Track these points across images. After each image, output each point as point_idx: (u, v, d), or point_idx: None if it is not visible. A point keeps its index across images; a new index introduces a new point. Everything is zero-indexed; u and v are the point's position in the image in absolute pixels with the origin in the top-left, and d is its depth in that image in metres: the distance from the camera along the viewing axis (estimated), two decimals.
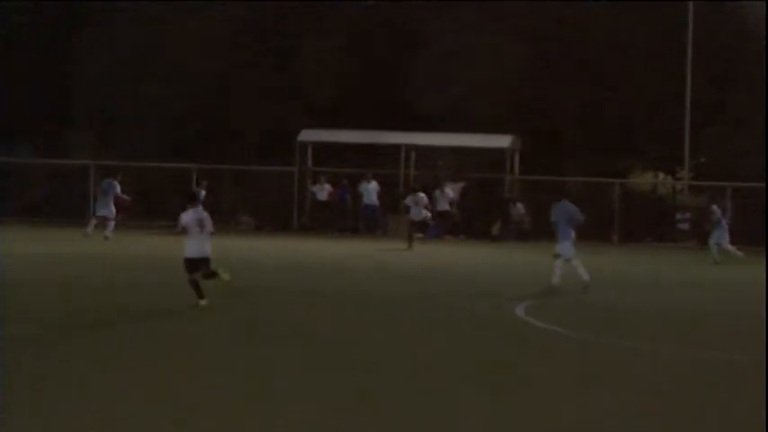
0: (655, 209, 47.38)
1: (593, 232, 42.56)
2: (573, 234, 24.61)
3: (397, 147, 44.97)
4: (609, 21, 47.07)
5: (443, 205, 41.65)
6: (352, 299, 22.18)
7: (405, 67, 47.88)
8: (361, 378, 13.69)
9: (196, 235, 19.58)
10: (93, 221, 36.03)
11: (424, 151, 46.73)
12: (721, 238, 34.53)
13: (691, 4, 45.05)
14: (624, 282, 27.83)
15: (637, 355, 16.37)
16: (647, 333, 18.55)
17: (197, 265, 19.51)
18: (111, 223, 35.99)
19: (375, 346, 16.55)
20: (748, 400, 12.85)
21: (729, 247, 34.56)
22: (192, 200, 20.36)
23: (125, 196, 36.82)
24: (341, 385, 13.19)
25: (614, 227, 43.80)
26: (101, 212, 36.34)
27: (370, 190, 43.19)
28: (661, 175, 52.16)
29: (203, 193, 40.79)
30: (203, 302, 19.54)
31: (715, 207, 35.70)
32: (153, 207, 43.22)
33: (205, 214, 19.88)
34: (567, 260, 24.47)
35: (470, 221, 43.86)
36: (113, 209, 36.27)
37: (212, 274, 19.74)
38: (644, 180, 51.88)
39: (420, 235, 36.46)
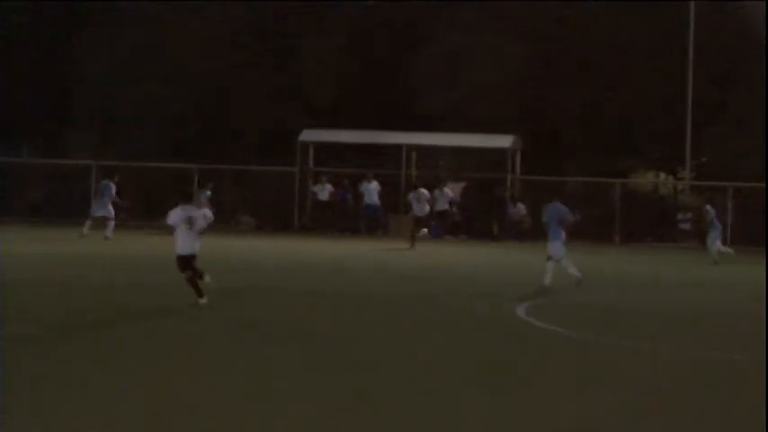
0: (656, 209, 47.40)
1: (594, 232, 42.67)
2: (563, 235, 24.65)
3: (398, 147, 44.99)
4: (609, 21, 47.09)
5: (443, 205, 41.69)
6: (352, 299, 22.17)
7: (405, 67, 47.90)
8: (361, 378, 13.68)
9: (185, 232, 19.63)
10: (89, 222, 35.97)
11: (424, 151, 46.76)
12: (713, 237, 34.50)
13: (692, 3, 45.05)
14: (624, 282, 27.83)
15: (637, 355, 16.36)
16: (647, 333, 18.54)
17: (188, 262, 19.57)
18: (111, 223, 35.97)
19: (375, 346, 16.54)
20: (748, 400, 12.85)
21: (720, 246, 34.54)
22: (186, 200, 20.44)
23: (118, 199, 36.75)
24: (341, 385, 13.19)
25: (615, 227, 43.80)
26: (98, 213, 36.31)
27: (371, 190, 43.21)
28: (662, 175, 52.17)
29: (209, 193, 40.80)
30: (203, 301, 19.57)
31: (708, 207, 35.67)
32: (153, 207, 43.24)
33: (197, 212, 19.94)
34: (557, 260, 24.51)
35: (471, 221, 43.90)
36: (111, 209, 36.25)
37: (199, 276, 19.81)
38: (645, 180, 51.88)
39: (424, 230, 36.48)
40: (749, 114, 45.10)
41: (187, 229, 19.62)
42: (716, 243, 34.51)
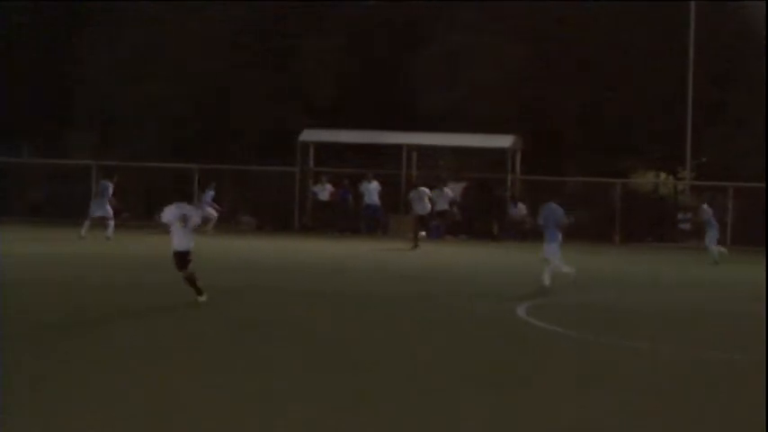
0: (656, 209, 47.40)
1: (594, 232, 42.69)
2: (560, 236, 24.66)
3: (398, 147, 44.98)
4: (609, 21, 47.08)
5: (442, 205, 41.70)
6: (352, 299, 22.18)
7: (405, 67, 47.90)
8: (361, 378, 13.68)
9: (180, 230, 19.73)
10: (88, 223, 35.93)
11: (425, 151, 46.75)
12: (711, 237, 34.41)
13: (692, 3, 45.03)
14: (624, 282, 27.84)
15: (637, 355, 16.36)
16: (647, 333, 18.54)
17: (185, 258, 19.62)
18: (111, 223, 35.96)
19: (375, 346, 16.54)
20: (748, 400, 12.85)
21: (709, 244, 34.46)
22: (182, 199, 20.57)
23: (113, 200, 36.75)
24: (341, 385, 13.19)
25: (615, 227, 43.80)
26: (96, 214, 36.30)
27: (372, 190, 43.21)
28: (662, 176, 52.17)
29: (212, 193, 40.80)
30: (202, 299, 19.63)
31: (705, 206, 35.58)
32: (153, 207, 43.25)
33: (191, 210, 20.02)
34: (547, 260, 24.53)
35: (471, 221, 43.91)
36: (110, 209, 36.26)
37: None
38: (645, 180, 51.87)
39: (422, 234, 36.46)
40: (749, 114, 45.10)
41: (182, 226, 19.71)
42: (710, 242, 34.43)
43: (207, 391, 12.54)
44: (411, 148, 45.45)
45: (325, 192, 44.17)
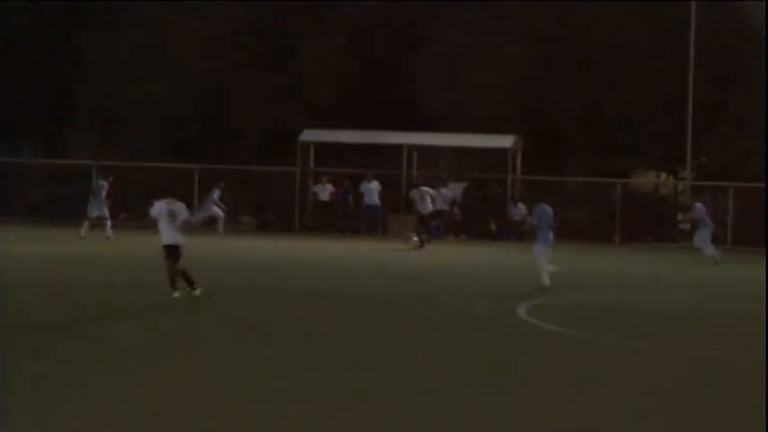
0: (656, 209, 47.39)
1: (594, 232, 42.71)
2: (551, 237, 24.67)
3: (398, 147, 44.98)
4: (609, 21, 47.09)
5: (441, 205, 41.71)
6: (352, 299, 22.18)
7: (405, 67, 47.92)
8: (361, 378, 13.68)
9: (167, 224, 19.86)
10: (87, 224, 35.95)
11: (425, 151, 46.74)
12: (703, 236, 34.27)
13: (693, 3, 45.01)
14: (624, 282, 27.82)
15: (637, 355, 16.36)
16: (647, 333, 18.53)
17: (176, 251, 19.68)
18: (108, 223, 35.98)
19: (375, 346, 16.54)
20: (748, 400, 12.85)
21: (701, 244, 34.38)
22: (168, 191, 20.68)
23: (105, 200, 36.75)
24: (341, 385, 13.19)
25: (615, 227, 43.81)
26: (93, 213, 36.31)
27: (372, 190, 43.21)
28: (663, 176, 52.17)
29: (219, 193, 40.76)
30: (197, 292, 19.75)
31: (699, 204, 35.45)
32: None
33: (180, 207, 20.09)
34: (536, 260, 24.54)
35: (471, 221, 43.91)
36: (106, 209, 36.28)
37: (177, 279, 19.99)
38: (646, 180, 51.87)
39: (425, 236, 36.44)
40: (749, 114, 45.10)
41: (170, 222, 19.81)
42: (696, 241, 34.28)
43: (207, 391, 12.54)
44: (411, 148, 45.45)
45: (325, 192, 44.18)
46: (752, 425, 11.70)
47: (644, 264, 34.29)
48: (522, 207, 42.86)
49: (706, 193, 43.95)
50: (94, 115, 49.72)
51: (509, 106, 45.79)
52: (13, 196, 46.37)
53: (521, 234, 41.64)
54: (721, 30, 47.04)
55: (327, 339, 16.73)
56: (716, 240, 35.20)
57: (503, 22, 47.51)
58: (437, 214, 40.86)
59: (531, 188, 44.32)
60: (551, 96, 46.42)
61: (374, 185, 43.20)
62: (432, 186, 40.50)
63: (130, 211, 43.19)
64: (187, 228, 20.28)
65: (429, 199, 37.31)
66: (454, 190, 43.70)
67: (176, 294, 19.66)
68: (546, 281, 24.03)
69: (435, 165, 47.83)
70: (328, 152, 46.16)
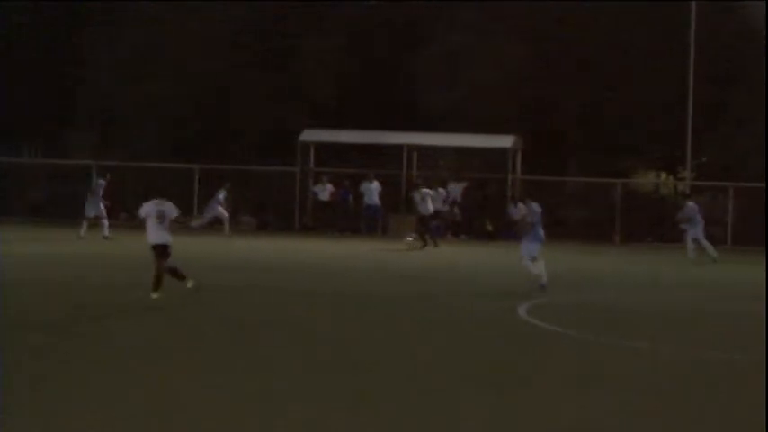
0: (656, 209, 47.39)
1: (594, 232, 42.71)
2: (542, 235, 24.67)
3: (398, 147, 44.98)
4: (609, 21, 47.09)
5: (439, 206, 41.72)
6: (352, 299, 22.17)
7: (405, 67, 47.93)
8: (361, 378, 13.68)
9: (155, 225, 19.95)
10: (85, 224, 35.95)
11: (425, 151, 46.74)
12: (696, 233, 34.24)
13: (693, 3, 45.02)
14: (624, 282, 27.82)
15: (637, 355, 16.35)
16: (647, 333, 18.52)
17: (165, 250, 19.74)
18: (105, 222, 35.99)
19: (375, 346, 16.54)
20: (748, 400, 12.84)
21: (690, 243, 34.37)
22: (157, 192, 20.71)
23: (105, 200, 36.77)
24: (341, 385, 13.18)
25: (615, 227, 43.80)
26: (90, 213, 36.32)
27: (372, 190, 43.22)
28: (663, 176, 52.16)
29: (224, 194, 40.74)
30: (190, 284, 19.83)
31: (691, 203, 35.41)
32: None
33: (170, 208, 20.14)
34: (522, 258, 24.55)
35: (471, 221, 43.91)
36: (103, 209, 36.30)
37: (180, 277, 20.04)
38: (646, 180, 51.87)
39: (430, 238, 36.43)
40: (749, 114, 45.10)
41: (158, 222, 19.87)
42: (695, 238, 34.23)
43: (207, 391, 12.53)
44: (411, 148, 45.46)
45: (325, 192, 44.18)
46: (752, 425, 11.69)
47: (644, 264, 34.28)
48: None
49: (706, 192, 43.95)
50: (94, 115, 49.73)
51: (509, 106, 45.79)
52: (13, 196, 46.39)
53: (520, 234, 41.62)
54: (721, 30, 47.03)
55: (327, 339, 16.73)
56: (716, 240, 35.18)
57: (503, 22, 47.52)
58: (436, 215, 40.87)
59: (531, 188, 44.31)
60: (551, 96, 46.42)
61: (374, 185, 43.20)
62: (430, 187, 40.54)
63: (130, 211, 43.17)
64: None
65: (429, 200, 37.34)
66: (454, 190, 43.70)
67: (155, 296, 19.70)
68: (544, 278, 23.98)
69: (435, 165, 47.83)
70: (328, 152, 46.17)
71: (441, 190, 42.26)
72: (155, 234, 19.97)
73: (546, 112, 47.04)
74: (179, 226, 20.88)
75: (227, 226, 39.90)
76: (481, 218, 43.61)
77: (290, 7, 49.01)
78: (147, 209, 20.14)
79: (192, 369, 13.90)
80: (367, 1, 52.60)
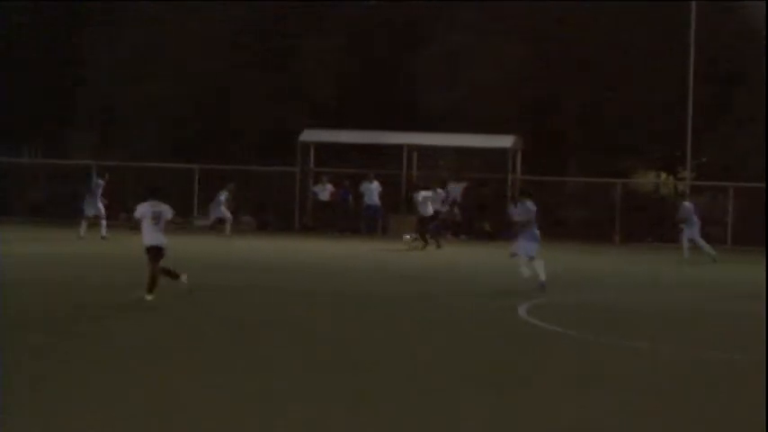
0: (656, 209, 47.38)
1: (594, 232, 42.69)
2: (537, 234, 24.67)
3: (399, 147, 44.97)
4: (609, 21, 47.07)
5: (438, 206, 41.67)
6: (352, 299, 22.17)
7: (405, 67, 47.91)
8: (361, 378, 13.68)
9: (150, 226, 19.95)
10: (85, 223, 35.95)
11: (425, 151, 46.73)
12: (692, 233, 34.24)
13: (693, 3, 45.00)
14: (624, 282, 27.82)
15: (637, 355, 16.35)
16: (647, 333, 18.53)
17: (160, 252, 19.76)
18: (103, 222, 35.97)
19: (375, 346, 16.54)
20: (748, 400, 12.85)
21: (685, 243, 34.37)
22: (152, 193, 20.68)
23: (102, 199, 36.77)
24: (341, 385, 13.18)
25: (615, 227, 43.79)
26: (89, 212, 36.32)
27: (372, 190, 43.21)
28: (663, 176, 52.15)
29: (227, 194, 40.70)
30: (184, 278, 20.02)
31: (687, 203, 35.40)
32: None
33: (166, 210, 20.15)
34: (513, 256, 24.57)
35: (471, 221, 43.90)
36: (102, 208, 36.29)
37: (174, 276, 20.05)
38: (646, 180, 51.86)
39: (435, 239, 36.41)
40: (749, 114, 45.09)
41: (153, 224, 19.87)
42: (691, 238, 34.22)
43: (207, 391, 12.53)
44: (411, 148, 45.45)
45: (325, 192, 44.17)
46: (752, 425, 11.69)
47: (644, 264, 34.28)
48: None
49: (706, 192, 43.93)
50: (94, 115, 49.72)
51: (509, 106, 45.78)
52: (13, 196, 46.39)
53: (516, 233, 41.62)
54: (721, 30, 47.01)
55: (327, 339, 16.73)
56: (716, 240, 35.16)
57: (503, 22, 47.51)
58: (435, 215, 40.84)
59: (531, 188, 44.28)
60: (551, 96, 46.41)
61: (374, 185, 43.20)
62: (429, 188, 40.53)
63: (130, 211, 43.13)
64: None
65: (430, 203, 37.32)
66: (454, 190, 43.68)
67: (150, 297, 19.69)
68: (543, 276, 23.96)
69: (435, 165, 47.81)
70: (328, 152, 46.16)
71: (439, 190, 42.20)
72: (149, 236, 19.98)
73: (546, 112, 47.03)
74: (176, 227, 20.88)
75: (228, 226, 39.90)
76: (480, 220, 43.56)
77: (290, 7, 49.00)
78: (143, 210, 20.16)
79: (192, 369, 13.90)
80: (367, 1, 52.59)
